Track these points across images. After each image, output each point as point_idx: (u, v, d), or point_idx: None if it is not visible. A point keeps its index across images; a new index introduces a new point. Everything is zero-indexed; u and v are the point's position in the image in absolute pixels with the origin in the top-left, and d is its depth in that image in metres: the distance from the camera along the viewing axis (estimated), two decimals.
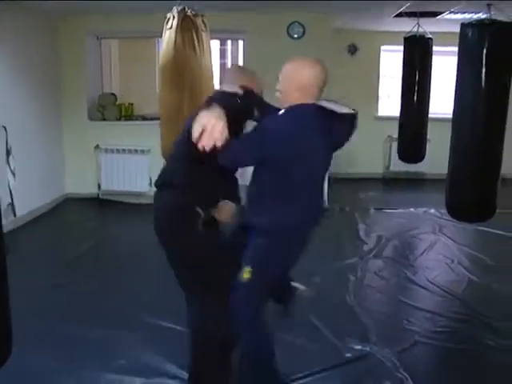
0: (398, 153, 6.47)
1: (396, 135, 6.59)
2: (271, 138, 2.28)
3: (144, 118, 6.72)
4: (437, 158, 6.40)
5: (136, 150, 6.51)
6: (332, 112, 2.36)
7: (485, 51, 3.76)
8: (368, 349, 3.23)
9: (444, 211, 5.50)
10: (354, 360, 3.13)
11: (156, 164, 6.49)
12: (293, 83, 2.37)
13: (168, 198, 2.51)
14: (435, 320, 3.66)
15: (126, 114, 6.83)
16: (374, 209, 6.47)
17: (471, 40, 3.86)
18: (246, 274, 2.35)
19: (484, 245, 5.22)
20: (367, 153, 7.91)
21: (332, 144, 2.46)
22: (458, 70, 4.05)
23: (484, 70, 3.79)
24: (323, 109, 2.36)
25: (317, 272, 4.21)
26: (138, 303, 3.79)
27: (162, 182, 2.57)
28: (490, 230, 5.39)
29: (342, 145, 2.52)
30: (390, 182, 7.94)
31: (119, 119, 6.73)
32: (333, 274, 4.45)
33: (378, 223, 5.98)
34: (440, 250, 5.06)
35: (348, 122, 2.43)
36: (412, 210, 6.45)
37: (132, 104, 6.92)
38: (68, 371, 2.96)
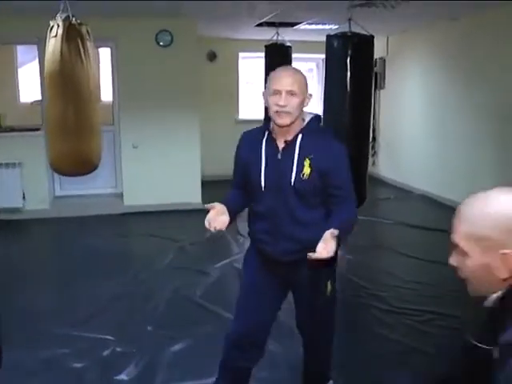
0: None
1: None
2: None
3: (13, 130, 6.49)
4: None
5: (7, 164, 6.25)
6: None
7: (348, 58, 4.33)
8: None
9: None
10: None
11: (29, 177, 6.30)
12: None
13: None
14: None
15: None
16: None
17: (336, 49, 4.40)
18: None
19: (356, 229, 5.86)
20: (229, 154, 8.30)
21: None
22: (326, 74, 4.59)
23: (349, 74, 4.35)
24: None
25: None
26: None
27: None
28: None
29: None
30: None
31: None
32: None
33: None
34: None
35: None
36: None
37: None
38: None
